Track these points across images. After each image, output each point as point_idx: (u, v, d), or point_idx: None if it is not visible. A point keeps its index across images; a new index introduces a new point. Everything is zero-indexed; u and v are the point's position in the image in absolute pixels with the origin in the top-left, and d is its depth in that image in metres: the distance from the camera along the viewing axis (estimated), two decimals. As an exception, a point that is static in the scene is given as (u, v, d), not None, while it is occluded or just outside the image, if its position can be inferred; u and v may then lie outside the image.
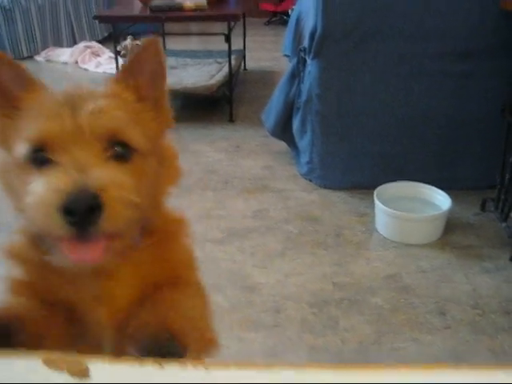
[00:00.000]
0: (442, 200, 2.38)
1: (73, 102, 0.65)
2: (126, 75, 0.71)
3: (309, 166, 2.77)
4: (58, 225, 0.58)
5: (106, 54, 5.44)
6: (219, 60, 4.28)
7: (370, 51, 2.44)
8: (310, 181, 2.80)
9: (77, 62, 5.34)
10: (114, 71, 5.01)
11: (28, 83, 0.70)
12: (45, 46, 5.70)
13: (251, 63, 5.09)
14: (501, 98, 2.33)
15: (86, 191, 0.58)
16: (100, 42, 5.98)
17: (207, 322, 0.74)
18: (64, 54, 5.49)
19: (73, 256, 0.61)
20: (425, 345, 1.79)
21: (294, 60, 2.82)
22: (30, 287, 0.71)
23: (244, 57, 4.86)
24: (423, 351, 1.76)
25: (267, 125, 3.04)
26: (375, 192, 2.39)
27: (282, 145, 3.15)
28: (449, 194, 2.38)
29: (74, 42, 5.90)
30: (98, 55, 5.42)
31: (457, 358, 1.73)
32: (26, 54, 5.61)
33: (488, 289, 2.03)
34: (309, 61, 2.61)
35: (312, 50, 2.50)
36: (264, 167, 2.96)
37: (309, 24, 2.65)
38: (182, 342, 0.60)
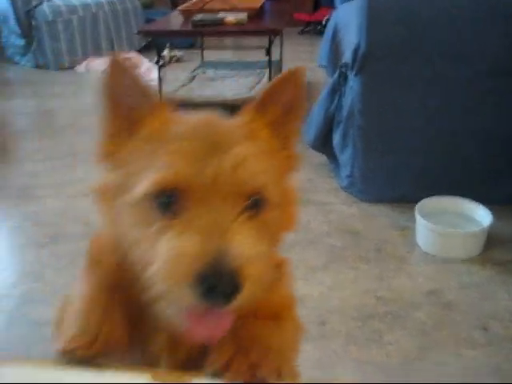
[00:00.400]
0: (483, 215, 2.40)
1: (212, 144, 0.59)
2: (262, 106, 0.67)
3: (349, 179, 2.82)
4: (189, 295, 0.53)
5: (145, 64, 5.57)
6: (257, 71, 4.36)
7: (411, 69, 2.49)
8: (351, 194, 2.85)
9: (117, 73, 5.47)
10: (152, 82, 5.14)
11: (148, 100, 0.65)
12: (85, 57, 5.85)
13: (287, 74, 5.15)
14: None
15: (228, 265, 0.52)
16: (138, 51, 6.11)
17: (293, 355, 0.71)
18: (104, 64, 5.62)
19: (195, 329, 0.57)
20: (468, 360, 1.82)
21: (335, 75, 2.87)
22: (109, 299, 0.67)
23: (281, 68, 4.93)
24: (467, 366, 1.80)
25: (307, 138, 3.10)
26: (416, 206, 2.42)
27: (321, 157, 3.20)
28: (490, 209, 2.40)
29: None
30: (138, 66, 5.55)
31: (501, 374, 1.76)
32: (67, 65, 5.79)
33: (530, 306, 2.05)
34: (351, 76, 2.66)
35: (355, 67, 2.56)
36: (305, 180, 3.02)
37: (350, 39, 2.71)
38: None
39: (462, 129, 2.58)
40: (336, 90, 2.88)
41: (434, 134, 2.60)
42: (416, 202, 2.46)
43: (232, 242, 0.53)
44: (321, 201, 2.80)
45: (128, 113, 0.66)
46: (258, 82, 4.04)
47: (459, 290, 2.15)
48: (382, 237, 2.51)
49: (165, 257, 0.54)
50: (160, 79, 3.72)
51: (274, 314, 0.69)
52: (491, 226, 2.35)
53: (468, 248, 2.34)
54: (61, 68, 5.75)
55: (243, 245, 0.54)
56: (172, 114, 0.66)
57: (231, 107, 3.67)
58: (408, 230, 2.52)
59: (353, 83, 2.64)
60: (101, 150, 0.69)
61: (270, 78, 3.77)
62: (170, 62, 5.59)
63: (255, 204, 0.59)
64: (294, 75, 0.65)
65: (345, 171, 2.86)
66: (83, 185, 3.06)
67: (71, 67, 5.80)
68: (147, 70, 5.44)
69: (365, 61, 2.50)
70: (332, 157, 3.06)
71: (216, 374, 0.58)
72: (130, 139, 0.65)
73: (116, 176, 0.65)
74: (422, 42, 2.45)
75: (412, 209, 2.46)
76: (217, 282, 0.51)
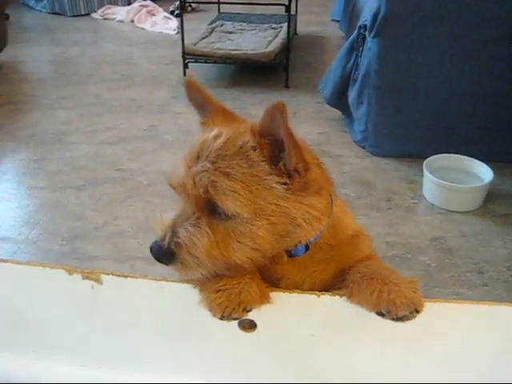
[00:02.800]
0: (484, 172, 2.63)
1: (197, 156, 0.85)
2: (260, 132, 0.84)
3: (363, 134, 3.03)
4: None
5: (161, 13, 5.65)
6: (274, 26, 4.47)
7: (427, 33, 2.66)
8: (363, 148, 3.06)
9: (133, 21, 5.56)
10: (169, 31, 5.25)
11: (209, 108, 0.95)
12: (101, 5, 5.92)
13: (300, 27, 5.24)
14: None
15: (163, 246, 0.85)
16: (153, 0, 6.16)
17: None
18: (120, 13, 5.70)
19: None
20: (466, 299, 2.08)
21: (354, 35, 3.03)
22: None
23: (295, 23, 5.03)
24: (464, 304, 2.06)
25: (324, 94, 3.29)
26: (424, 163, 2.64)
27: (336, 112, 3.39)
28: (491, 166, 2.62)
29: (129, 1, 6.09)
30: (154, 14, 5.64)
31: (493, 311, 2.02)
32: (83, 12, 5.86)
33: (523, 253, 2.31)
34: (369, 38, 2.83)
35: (374, 29, 2.72)
36: (320, 133, 3.23)
37: (370, 4, 2.86)
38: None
39: (472, 91, 2.76)
40: (353, 49, 3.05)
41: (445, 95, 2.79)
42: (424, 158, 2.68)
43: (176, 233, 0.86)
44: (335, 153, 3.02)
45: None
46: (276, 36, 4.16)
47: (460, 238, 2.40)
48: (392, 188, 2.74)
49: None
50: (182, 29, 3.83)
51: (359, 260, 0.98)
52: (492, 183, 2.57)
53: (469, 201, 2.57)
54: (77, 14, 5.82)
55: (183, 236, 0.85)
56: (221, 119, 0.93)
57: (250, 61, 3.82)
58: (416, 184, 2.75)
59: (371, 44, 2.81)
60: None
61: (288, 36, 3.89)
62: (185, 11, 5.65)
63: (219, 213, 0.83)
64: (279, 111, 0.77)
65: (359, 126, 3.07)
66: (111, 132, 3.28)
67: (87, 14, 5.88)
68: (163, 18, 5.53)
69: (384, 24, 2.67)
70: (347, 112, 3.25)
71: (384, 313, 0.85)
72: None
73: None
74: (440, 5, 2.60)
75: (420, 164, 2.68)
76: (155, 254, 0.86)
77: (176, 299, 0.94)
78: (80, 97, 3.78)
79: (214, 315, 0.85)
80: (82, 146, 3.13)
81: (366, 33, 2.85)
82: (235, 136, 0.85)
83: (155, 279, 0.93)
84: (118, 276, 0.94)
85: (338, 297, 0.89)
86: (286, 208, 0.84)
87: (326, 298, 0.90)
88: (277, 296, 0.90)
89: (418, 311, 0.83)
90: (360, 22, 2.99)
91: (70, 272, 0.95)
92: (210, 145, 0.85)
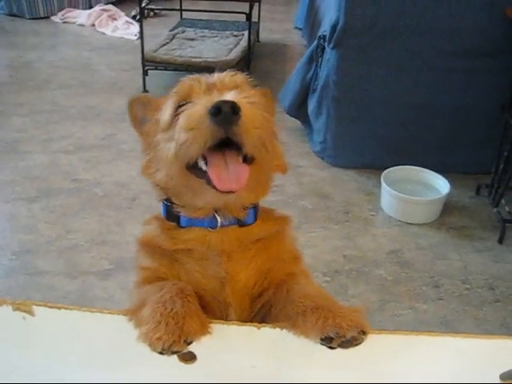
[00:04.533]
0: (441, 184, 2.65)
1: (207, 81, 0.89)
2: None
3: (322, 145, 3.03)
4: (207, 127, 0.76)
5: (123, 18, 5.56)
6: (235, 33, 4.45)
7: (385, 45, 2.68)
8: (322, 159, 3.06)
9: (94, 25, 5.46)
10: (130, 36, 5.17)
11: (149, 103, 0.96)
12: (61, 7, 5.79)
13: (263, 34, 5.23)
14: (502, 95, 2.57)
15: (226, 101, 0.77)
16: (114, 4, 6.05)
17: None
18: (81, 17, 5.59)
19: (219, 183, 0.78)
20: (421, 312, 2.09)
21: (313, 45, 3.03)
22: (160, 274, 0.91)
23: (258, 30, 5.02)
24: (419, 318, 2.07)
25: (284, 104, 3.28)
26: (382, 175, 2.65)
27: (295, 122, 3.39)
28: (448, 177, 2.66)
29: (90, 5, 5.98)
30: (115, 19, 5.55)
31: (447, 324, 2.03)
32: (42, 14, 5.71)
33: (477, 266, 2.33)
34: (328, 49, 2.83)
35: (332, 41, 2.72)
36: (279, 143, 3.20)
37: (329, 12, 2.87)
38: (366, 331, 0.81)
39: (429, 102, 2.80)
40: (313, 60, 3.05)
41: (402, 106, 2.81)
42: (382, 169, 2.69)
43: (228, 96, 0.81)
44: (294, 164, 3.01)
45: (142, 119, 0.97)
46: (237, 44, 4.14)
47: (416, 251, 2.41)
48: (350, 200, 2.74)
49: (184, 116, 0.80)
50: (142, 36, 3.77)
51: (286, 268, 0.94)
52: (448, 195, 2.60)
53: (426, 214, 2.59)
54: (36, 17, 5.68)
55: (236, 95, 0.81)
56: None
57: (210, 69, 3.78)
58: (374, 195, 2.76)
59: (330, 56, 2.81)
60: (142, 151, 0.97)
61: (249, 42, 3.88)
62: (147, 16, 5.59)
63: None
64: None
65: (318, 137, 3.07)
66: (68, 141, 3.21)
67: (46, 16, 5.74)
68: (125, 23, 5.46)
69: (342, 36, 2.67)
70: (306, 123, 3.25)
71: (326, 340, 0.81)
72: (148, 127, 0.95)
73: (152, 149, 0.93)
74: (397, 18, 2.62)
75: (378, 175, 2.69)
76: (222, 105, 0.75)
77: (112, 331, 0.90)
78: (36, 103, 3.69)
79: (154, 350, 0.80)
80: (36, 155, 3.05)
81: (325, 43, 2.85)
82: None
83: (90, 311, 0.89)
84: (51, 308, 0.90)
85: (278, 329, 0.87)
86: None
87: (267, 330, 0.87)
88: (216, 327, 0.87)
89: (364, 333, 0.81)
90: (320, 33, 2.99)
91: (0, 304, 0.90)
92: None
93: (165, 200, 0.94)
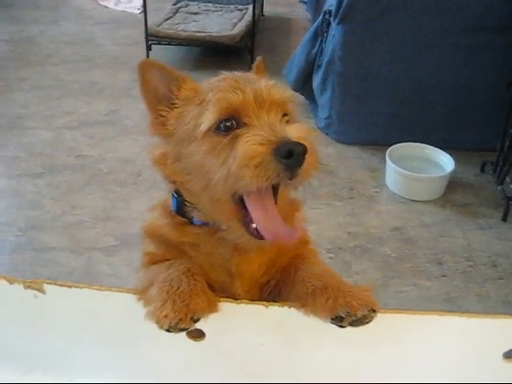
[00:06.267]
0: (446, 161, 2.65)
1: (243, 79, 0.82)
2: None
3: (327, 121, 3.02)
4: (274, 167, 0.72)
5: (125, -10, 5.49)
6: (240, 7, 4.40)
7: (391, 21, 2.64)
8: (327, 135, 3.05)
9: (96, -1, 5.40)
10: (133, 10, 5.11)
11: (177, 80, 0.87)
12: (63, -21, 5.71)
13: (268, 8, 5.16)
14: (508, 72, 2.55)
15: (297, 143, 0.73)
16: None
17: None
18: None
19: (266, 233, 0.76)
20: (424, 289, 2.11)
21: (319, 20, 2.99)
22: (167, 258, 0.91)
23: (262, 4, 4.95)
24: (422, 295, 2.08)
25: (288, 79, 3.25)
26: (387, 152, 2.64)
27: (300, 97, 3.36)
28: (452, 154, 2.64)
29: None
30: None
31: (450, 301, 2.05)
32: (45, -12, 5.65)
33: (480, 244, 2.34)
34: (333, 24, 2.80)
35: (338, 16, 2.69)
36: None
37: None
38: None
39: (433, 80, 2.77)
40: (318, 35, 3.02)
41: (407, 83, 2.79)
42: (387, 146, 2.69)
43: (287, 130, 0.77)
44: (299, 141, 2.99)
45: (162, 94, 0.89)
46: (241, 19, 4.09)
47: (420, 228, 2.42)
48: (354, 177, 2.74)
49: (241, 151, 0.74)
50: (145, 10, 3.73)
51: (296, 250, 0.94)
52: (453, 172, 2.60)
53: (430, 191, 2.59)
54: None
55: (297, 132, 0.77)
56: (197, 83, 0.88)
57: (215, 43, 3.75)
58: (378, 172, 2.76)
59: (335, 31, 2.78)
60: (152, 130, 0.91)
61: (253, 16, 3.82)
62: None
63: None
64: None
65: (323, 113, 3.05)
66: (71, 117, 3.20)
67: (49, -9, 5.67)
68: (127, -4, 5.38)
69: (348, 11, 2.64)
70: (311, 98, 3.23)
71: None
72: (171, 111, 0.88)
73: (171, 141, 0.88)
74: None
75: (383, 152, 2.68)
76: (294, 148, 0.73)
77: (121, 309, 0.91)
78: (38, 79, 3.66)
79: (161, 327, 0.81)
80: (40, 131, 3.04)
81: (331, 19, 2.82)
82: None
83: (99, 289, 0.90)
84: (61, 286, 0.91)
85: (286, 307, 0.88)
86: None
87: (275, 309, 0.88)
88: (225, 305, 0.88)
89: (374, 311, 0.82)
90: (326, 7, 2.95)
91: (11, 282, 0.91)
92: (238, 74, 0.86)
93: (174, 192, 0.92)
